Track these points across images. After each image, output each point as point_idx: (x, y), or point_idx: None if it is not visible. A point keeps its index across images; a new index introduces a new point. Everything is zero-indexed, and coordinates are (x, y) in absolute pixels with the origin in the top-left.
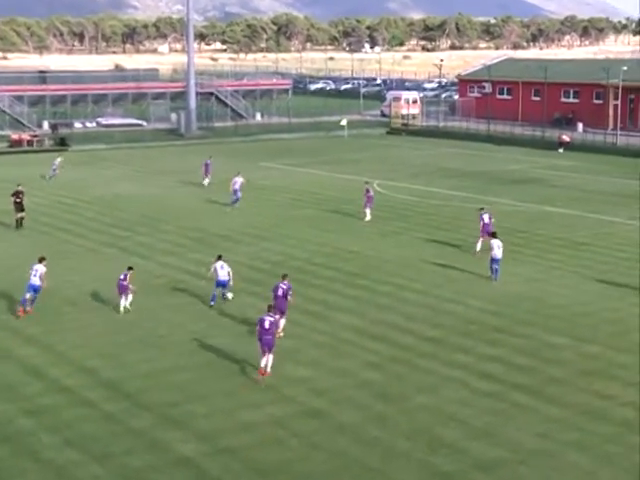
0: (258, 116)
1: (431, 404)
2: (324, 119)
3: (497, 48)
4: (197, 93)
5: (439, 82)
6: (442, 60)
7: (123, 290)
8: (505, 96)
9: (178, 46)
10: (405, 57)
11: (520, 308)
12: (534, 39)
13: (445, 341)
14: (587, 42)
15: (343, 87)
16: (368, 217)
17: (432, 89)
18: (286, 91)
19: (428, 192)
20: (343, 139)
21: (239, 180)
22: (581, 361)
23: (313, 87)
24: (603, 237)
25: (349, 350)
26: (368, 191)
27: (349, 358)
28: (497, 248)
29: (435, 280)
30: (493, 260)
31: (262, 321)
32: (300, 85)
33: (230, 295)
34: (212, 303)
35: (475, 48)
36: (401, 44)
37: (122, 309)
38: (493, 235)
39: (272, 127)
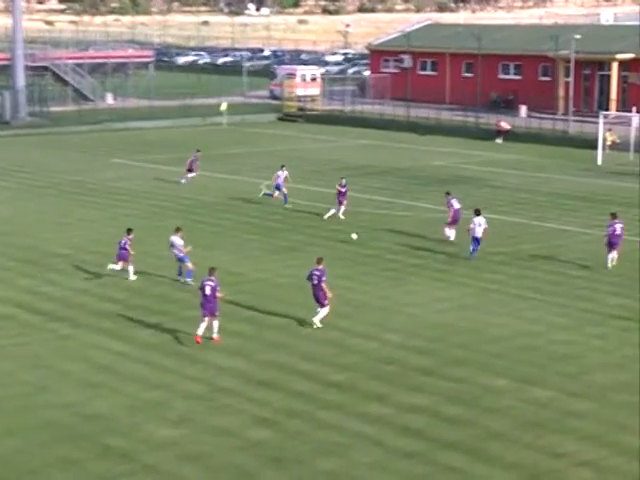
0: (109, 98)
1: (337, 469)
2: (196, 102)
3: (418, 11)
4: (27, 67)
5: (345, 54)
6: (348, 25)
7: (124, 257)
8: (429, 72)
9: None
10: (301, 22)
11: (450, 343)
12: None
13: (355, 387)
14: (531, 3)
15: (221, 61)
16: (341, 215)
17: (336, 63)
18: (146, 65)
19: (332, 196)
20: (221, 128)
21: (282, 174)
22: (527, 410)
23: (182, 60)
24: (553, 251)
25: (230, 402)
26: (342, 185)
27: (231, 412)
28: (478, 226)
29: (341, 309)
30: (474, 239)
31: (203, 287)
32: (165, 58)
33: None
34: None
35: (390, 10)
36: (296, 4)
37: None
38: (477, 212)
39: (128, 113)
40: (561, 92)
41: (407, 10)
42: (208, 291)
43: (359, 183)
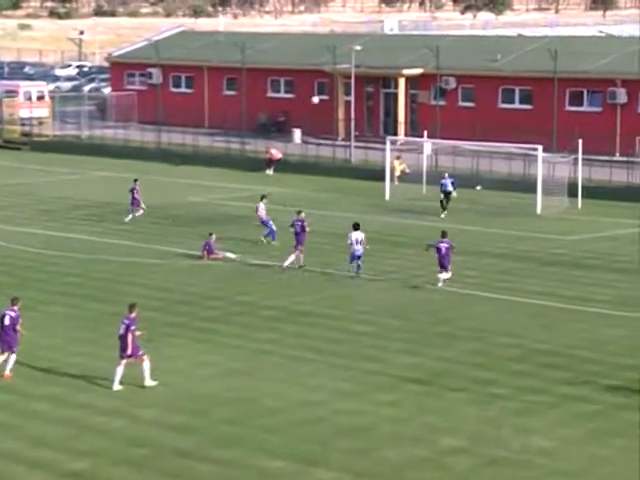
0: None
1: None
2: None
3: (168, 15)
4: None
5: (80, 67)
6: (82, 32)
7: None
8: (183, 89)
9: None
10: (23, 27)
11: (216, 418)
12: (223, 2)
13: (97, 476)
14: (302, 8)
15: None
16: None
17: (69, 78)
18: None
19: (67, 240)
20: None
21: (262, 206)
22: None
23: None
24: (337, 302)
25: None
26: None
27: None
28: (356, 244)
29: (76, 383)
30: (353, 257)
31: (2, 317)
32: None
33: None
34: None
35: (134, 14)
36: (16, 6)
37: None
38: (355, 227)
39: None
40: (341, 114)
41: (155, 14)
42: (7, 321)
43: (99, 225)
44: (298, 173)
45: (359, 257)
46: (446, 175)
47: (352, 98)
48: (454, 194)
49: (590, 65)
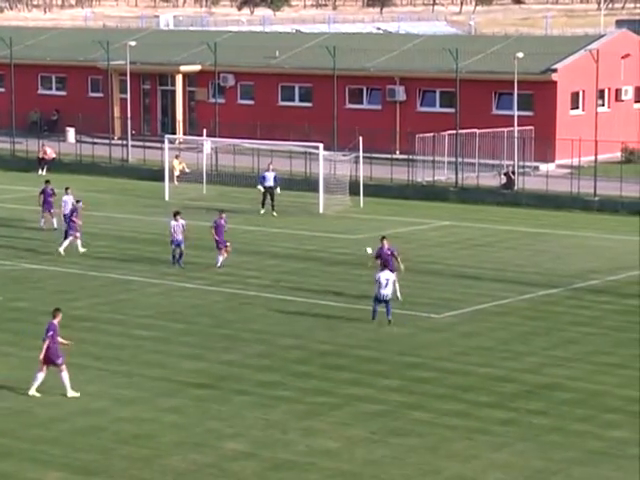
0: None
1: None
2: None
3: None
4: None
5: None
6: None
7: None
8: None
9: None
10: None
11: None
12: None
13: None
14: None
15: None
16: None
17: None
18: None
19: None
20: None
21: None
22: None
23: None
24: (116, 307)
25: None
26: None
27: None
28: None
29: None
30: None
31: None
32: None
33: None
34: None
35: None
36: None
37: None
38: (175, 214)
39: None
40: (117, 112)
41: None
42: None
43: None
44: (73, 173)
45: (178, 244)
46: (270, 168)
47: (128, 95)
48: (278, 190)
49: (369, 62)
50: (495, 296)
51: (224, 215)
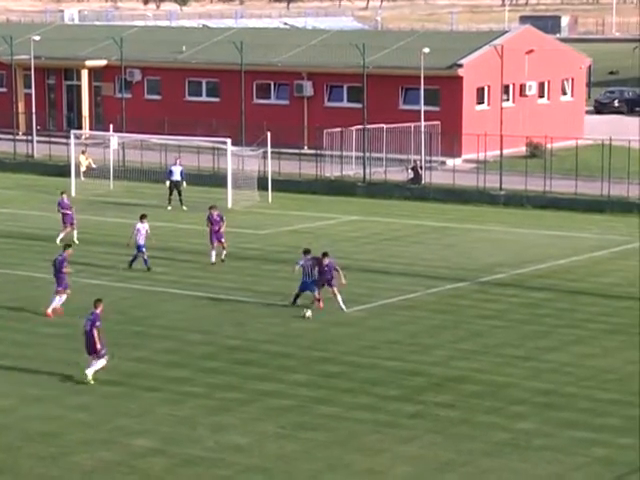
0: None
1: None
2: None
3: None
4: None
5: None
6: None
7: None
8: None
9: None
10: None
11: None
12: None
13: None
14: None
15: None
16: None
17: None
18: None
19: None
20: None
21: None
22: None
23: None
24: (25, 303)
25: None
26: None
27: None
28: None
29: None
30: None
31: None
32: None
33: None
34: None
35: None
36: None
37: None
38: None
39: None
40: (21, 107)
41: None
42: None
43: None
44: None
45: (140, 248)
46: (177, 162)
47: (33, 90)
48: (184, 185)
49: (276, 58)
50: (403, 290)
51: (215, 211)
